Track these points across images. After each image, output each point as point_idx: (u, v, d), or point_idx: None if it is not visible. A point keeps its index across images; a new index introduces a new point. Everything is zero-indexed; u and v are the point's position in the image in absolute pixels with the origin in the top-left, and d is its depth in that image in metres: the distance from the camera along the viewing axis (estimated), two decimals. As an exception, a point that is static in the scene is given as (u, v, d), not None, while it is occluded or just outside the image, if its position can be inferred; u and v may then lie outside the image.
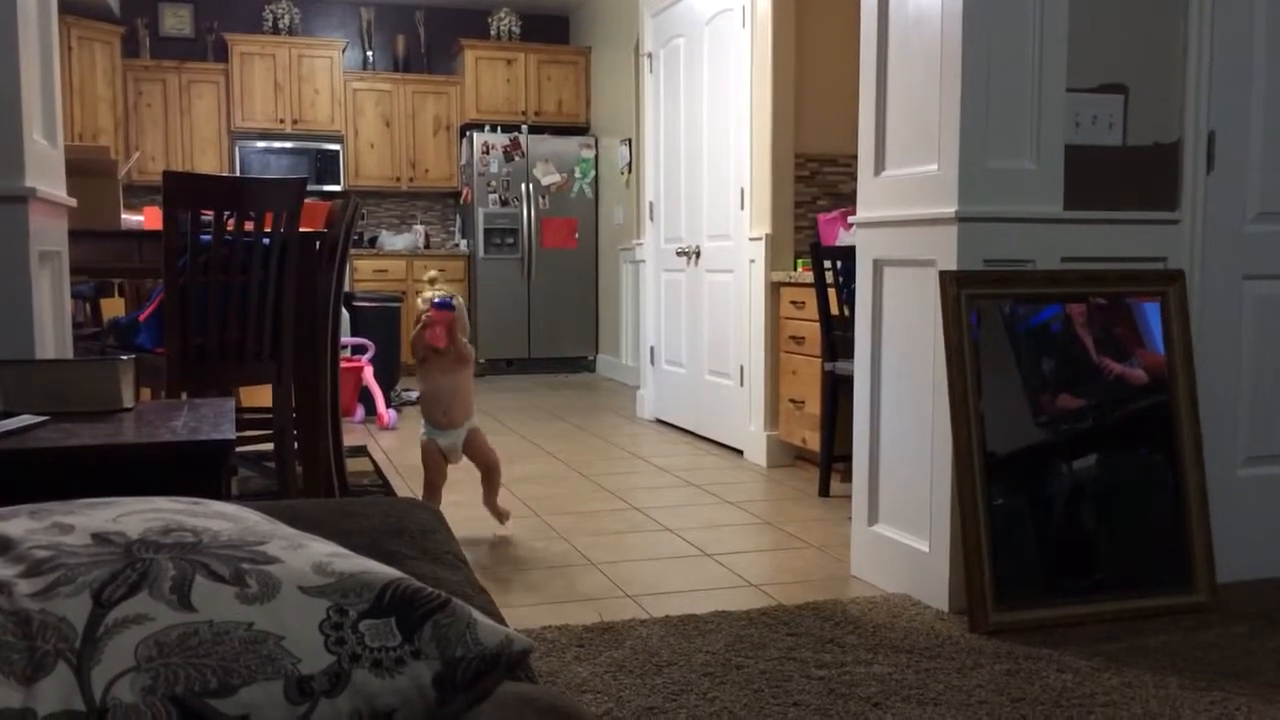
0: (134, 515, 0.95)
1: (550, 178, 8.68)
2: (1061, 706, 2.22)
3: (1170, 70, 3.01)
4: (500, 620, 1.10)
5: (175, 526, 0.92)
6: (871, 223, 3.11)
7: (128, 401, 2.08)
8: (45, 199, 2.60)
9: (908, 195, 2.95)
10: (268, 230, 3.25)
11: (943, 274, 2.76)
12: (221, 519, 0.97)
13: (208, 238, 3.15)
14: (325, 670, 0.80)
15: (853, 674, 2.39)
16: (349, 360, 6.05)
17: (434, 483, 3.61)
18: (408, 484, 4.37)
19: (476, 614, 0.89)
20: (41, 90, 2.69)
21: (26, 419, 1.86)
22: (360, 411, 6.18)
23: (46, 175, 2.67)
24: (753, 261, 4.98)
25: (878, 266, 3.10)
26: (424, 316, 3.47)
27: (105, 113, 7.97)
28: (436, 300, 3.45)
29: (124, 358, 2.13)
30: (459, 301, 3.53)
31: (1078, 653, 2.53)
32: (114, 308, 5.32)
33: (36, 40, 2.66)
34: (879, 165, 3.08)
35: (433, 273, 3.71)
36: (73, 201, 2.92)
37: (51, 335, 2.68)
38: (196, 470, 1.70)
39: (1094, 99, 2.96)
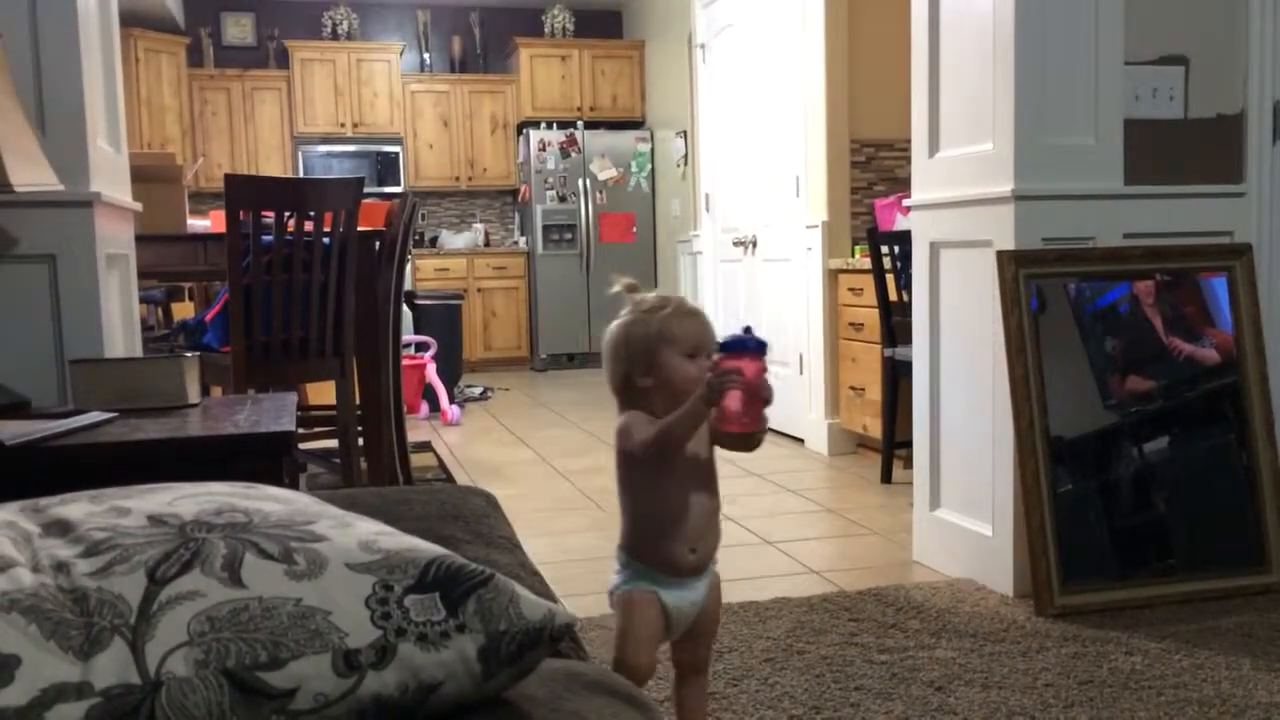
0: (188, 499, 0.98)
1: (607, 172, 8.70)
2: (1130, 689, 2.18)
3: (1232, 39, 2.93)
4: (551, 600, 1.11)
5: (227, 508, 0.94)
6: (927, 205, 3.07)
7: (193, 397, 2.13)
8: (111, 203, 2.67)
9: (963, 175, 2.91)
10: (327, 230, 3.31)
11: (1000, 254, 2.72)
12: (273, 501, 0.99)
13: (270, 239, 3.22)
14: (372, 644, 0.81)
15: (915, 658, 2.37)
16: (412, 358, 6.13)
17: (638, 670, 1.72)
18: (470, 477, 4.41)
19: (520, 589, 0.90)
20: (105, 98, 2.76)
21: (96, 415, 1.92)
22: (424, 408, 6.26)
23: (111, 180, 2.74)
24: (810, 249, 4.95)
25: (934, 249, 3.07)
26: (712, 375, 1.51)
27: (172, 122, 8.16)
28: (731, 338, 1.53)
29: (188, 355, 2.18)
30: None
31: (1147, 635, 2.48)
32: (184, 311, 5.44)
33: (99, 49, 2.73)
34: (933, 146, 3.04)
35: (627, 280, 1.68)
36: (138, 206, 3.00)
37: (121, 335, 2.76)
38: (258, 460, 1.73)
39: (1153, 71, 2.90)
